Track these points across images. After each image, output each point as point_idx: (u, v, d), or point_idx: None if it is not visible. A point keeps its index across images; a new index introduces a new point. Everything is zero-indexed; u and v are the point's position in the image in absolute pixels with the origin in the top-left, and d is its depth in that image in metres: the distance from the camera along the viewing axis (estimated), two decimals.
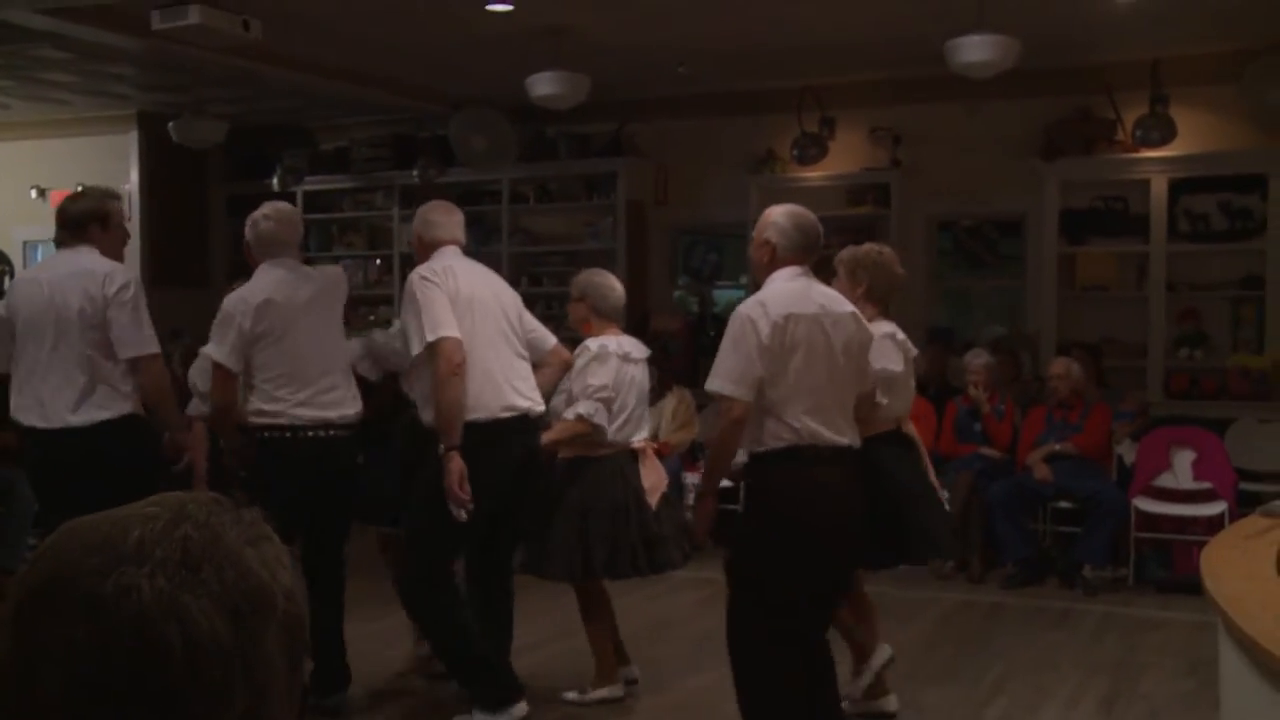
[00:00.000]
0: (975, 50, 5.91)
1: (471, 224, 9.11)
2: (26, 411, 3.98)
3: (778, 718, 3.42)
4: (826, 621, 3.63)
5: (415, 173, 8.92)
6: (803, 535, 3.32)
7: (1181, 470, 6.54)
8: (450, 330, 3.75)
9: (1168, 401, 7.25)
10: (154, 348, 4.01)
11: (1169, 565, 6.31)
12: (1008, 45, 5.90)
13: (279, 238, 4.14)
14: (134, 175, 9.40)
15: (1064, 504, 6.51)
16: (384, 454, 4.47)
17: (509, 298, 4.09)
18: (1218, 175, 7.28)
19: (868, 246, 4.18)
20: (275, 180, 9.31)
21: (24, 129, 9.67)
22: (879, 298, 4.06)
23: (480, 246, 9.10)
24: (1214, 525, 5.84)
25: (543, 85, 6.86)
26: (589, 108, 7.39)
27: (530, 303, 8.53)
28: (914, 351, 4.20)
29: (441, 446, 3.75)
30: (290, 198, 9.52)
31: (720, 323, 6.56)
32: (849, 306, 3.52)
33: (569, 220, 9.14)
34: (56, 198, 9.87)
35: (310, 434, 4.03)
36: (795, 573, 3.35)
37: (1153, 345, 7.37)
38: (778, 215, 3.50)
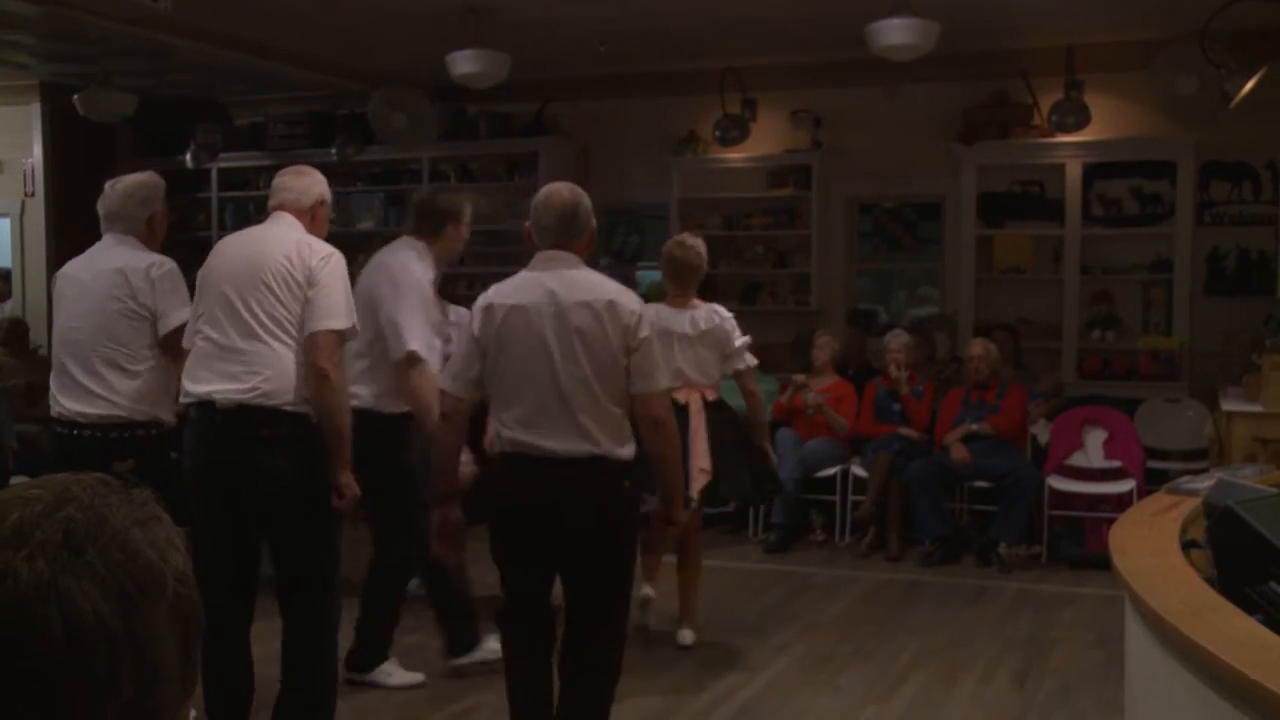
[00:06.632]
0: (895, 33, 5.95)
1: (391, 203, 9.21)
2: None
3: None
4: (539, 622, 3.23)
5: (334, 151, 8.75)
6: (495, 544, 3.16)
7: (1093, 449, 6.70)
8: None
9: (1080, 382, 7.41)
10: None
11: (1081, 542, 6.46)
12: (927, 29, 5.95)
13: (101, 209, 3.76)
14: (37, 150, 9.08)
15: (980, 483, 6.62)
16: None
17: (252, 274, 3.31)
18: (1130, 160, 7.44)
19: (676, 239, 4.66)
20: (189, 156, 9.09)
21: None
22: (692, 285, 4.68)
23: (400, 225, 8.98)
24: (1124, 503, 5.98)
25: (463, 63, 6.77)
26: (510, 87, 7.31)
27: (452, 282, 8.54)
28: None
29: None
30: (204, 175, 9.35)
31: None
32: (599, 294, 3.06)
33: (490, 200, 9.04)
34: None
35: (57, 429, 3.58)
36: (500, 567, 3.18)
37: (1067, 327, 7.53)
38: (535, 198, 3.27)
